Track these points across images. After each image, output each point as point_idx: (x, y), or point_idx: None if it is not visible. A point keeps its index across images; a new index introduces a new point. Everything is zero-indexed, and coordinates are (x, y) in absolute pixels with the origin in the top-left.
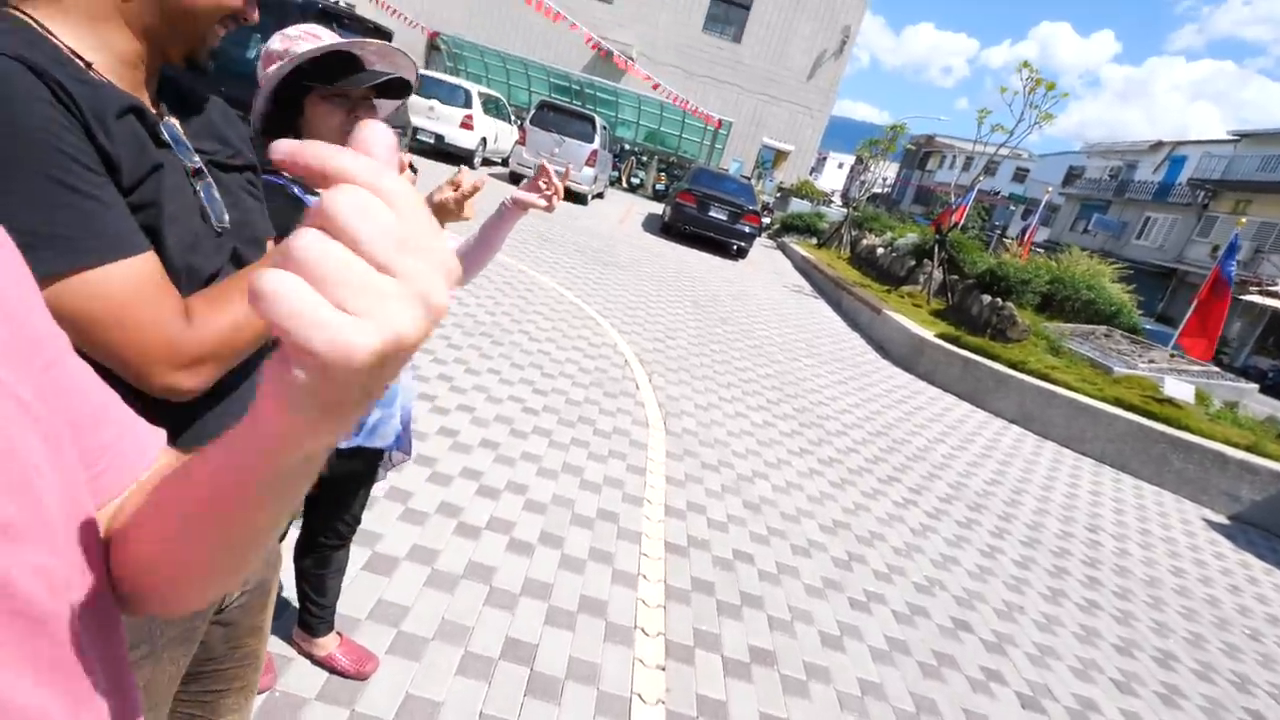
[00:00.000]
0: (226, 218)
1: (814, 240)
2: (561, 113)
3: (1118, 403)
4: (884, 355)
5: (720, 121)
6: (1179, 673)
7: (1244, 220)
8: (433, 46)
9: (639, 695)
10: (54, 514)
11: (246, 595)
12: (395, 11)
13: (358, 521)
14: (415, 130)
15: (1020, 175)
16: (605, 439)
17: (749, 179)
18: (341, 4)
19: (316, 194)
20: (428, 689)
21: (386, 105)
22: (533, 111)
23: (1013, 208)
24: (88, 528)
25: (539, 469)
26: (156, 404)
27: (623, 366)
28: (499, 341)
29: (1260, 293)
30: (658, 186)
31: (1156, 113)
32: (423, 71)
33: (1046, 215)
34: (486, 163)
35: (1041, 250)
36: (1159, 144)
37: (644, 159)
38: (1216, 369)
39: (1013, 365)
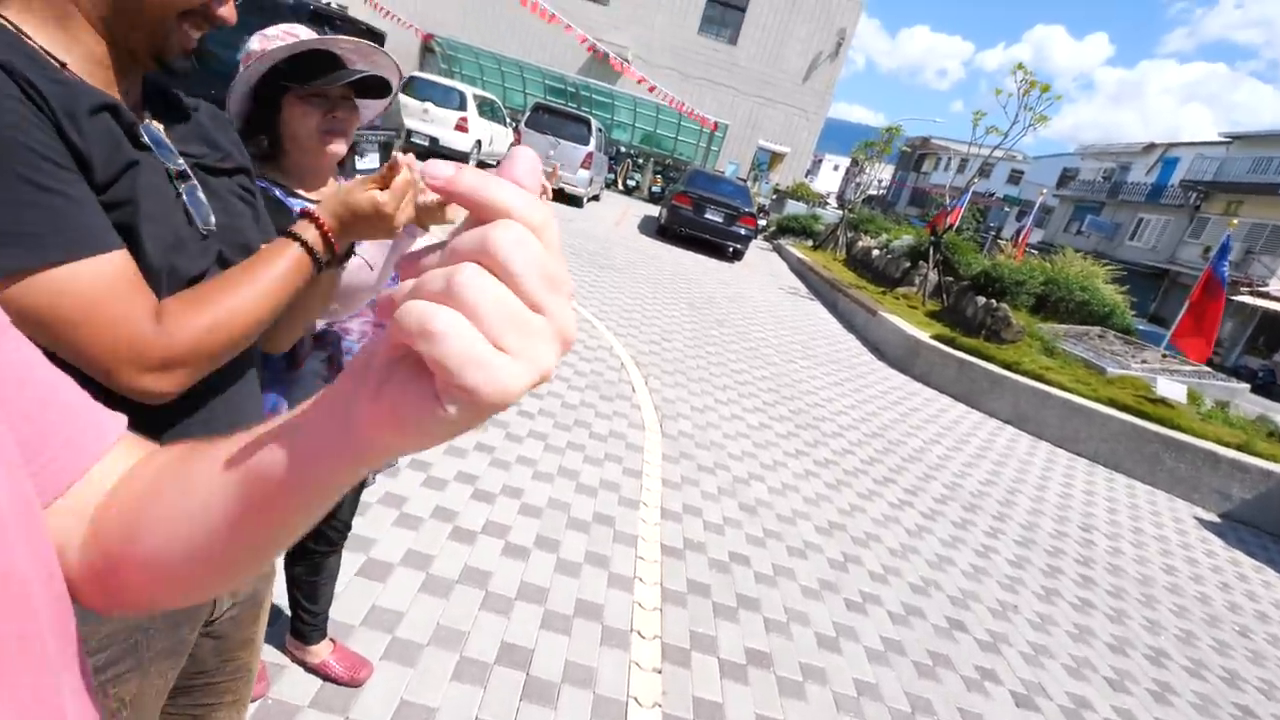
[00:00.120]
0: (213, 220)
1: (810, 242)
2: (557, 115)
3: (1111, 403)
4: (879, 357)
5: (716, 124)
6: (1171, 670)
7: (1236, 221)
8: (427, 49)
9: (635, 698)
10: None
11: (238, 607)
12: (389, 13)
13: (348, 527)
14: (409, 133)
15: (1015, 177)
16: (601, 442)
17: (745, 181)
18: (334, 6)
19: (298, 195)
20: (423, 695)
21: (371, 107)
22: (528, 114)
23: (1007, 209)
24: (30, 520)
25: (534, 473)
26: (137, 408)
27: (619, 369)
28: None
29: (1251, 293)
30: (653, 189)
31: (1149, 115)
32: (417, 74)
33: (1041, 217)
34: (482, 165)
35: (1036, 252)
36: (1152, 146)
37: (640, 161)
38: (1208, 369)
39: (1007, 366)
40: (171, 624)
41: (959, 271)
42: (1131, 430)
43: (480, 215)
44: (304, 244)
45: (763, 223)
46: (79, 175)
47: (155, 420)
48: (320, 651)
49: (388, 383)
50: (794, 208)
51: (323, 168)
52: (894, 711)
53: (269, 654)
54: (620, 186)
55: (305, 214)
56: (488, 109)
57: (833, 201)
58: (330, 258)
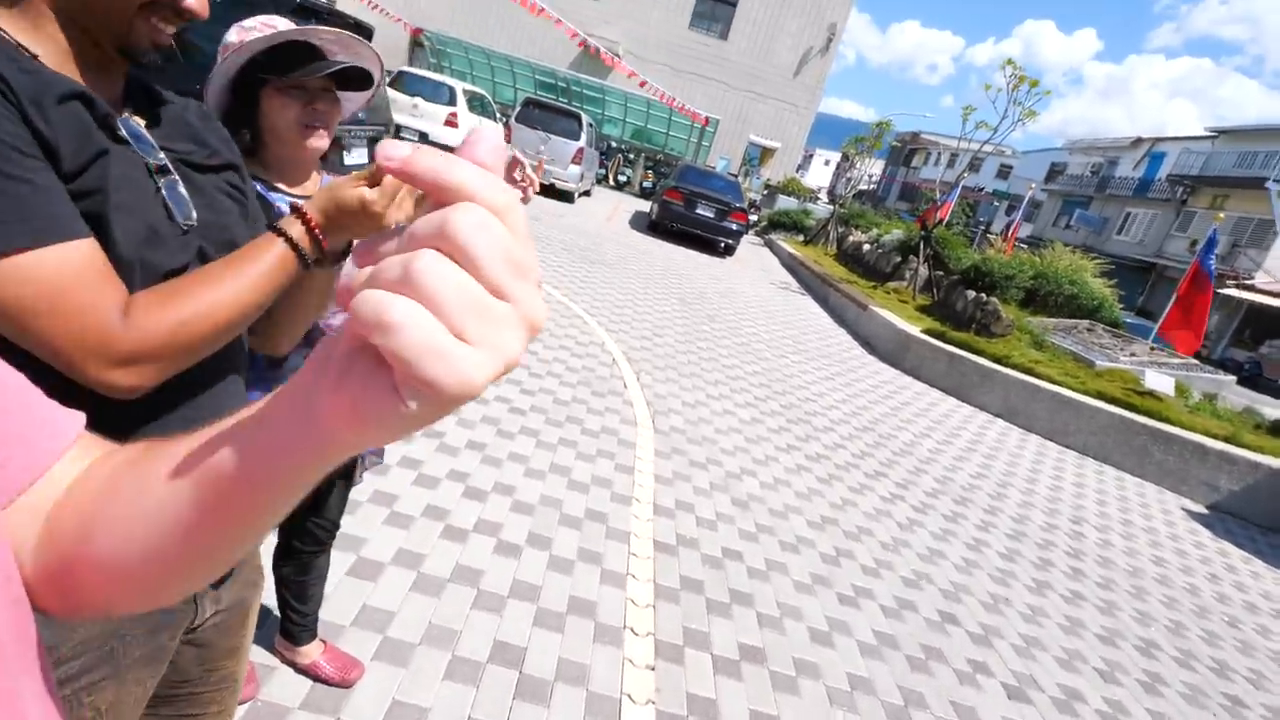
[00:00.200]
0: (194, 215)
1: (801, 237)
2: (547, 110)
3: (1100, 396)
4: (870, 351)
5: (707, 119)
6: (1161, 661)
7: (1222, 215)
8: (416, 43)
9: (629, 695)
10: None
11: (222, 615)
12: (378, 7)
13: (336, 526)
14: (399, 128)
15: (1004, 172)
16: (593, 438)
17: (736, 176)
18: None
19: (278, 190)
20: (415, 695)
21: (353, 99)
22: (518, 109)
23: (996, 204)
24: None
25: (526, 469)
26: (112, 404)
27: (610, 365)
28: None
29: (1237, 286)
30: (644, 184)
31: (1136, 110)
32: (406, 69)
33: (1029, 211)
34: None
35: (1025, 246)
36: (1139, 140)
37: (631, 156)
38: (1195, 362)
39: (997, 360)
40: (149, 630)
41: (949, 266)
42: (1120, 423)
43: (440, 198)
44: (289, 240)
45: (754, 218)
46: (46, 163)
47: (132, 417)
48: (310, 652)
49: (347, 375)
50: (785, 203)
51: (304, 161)
52: (887, 705)
53: (258, 655)
54: (611, 182)
55: (294, 209)
56: (478, 104)
57: (823, 196)
58: (319, 255)
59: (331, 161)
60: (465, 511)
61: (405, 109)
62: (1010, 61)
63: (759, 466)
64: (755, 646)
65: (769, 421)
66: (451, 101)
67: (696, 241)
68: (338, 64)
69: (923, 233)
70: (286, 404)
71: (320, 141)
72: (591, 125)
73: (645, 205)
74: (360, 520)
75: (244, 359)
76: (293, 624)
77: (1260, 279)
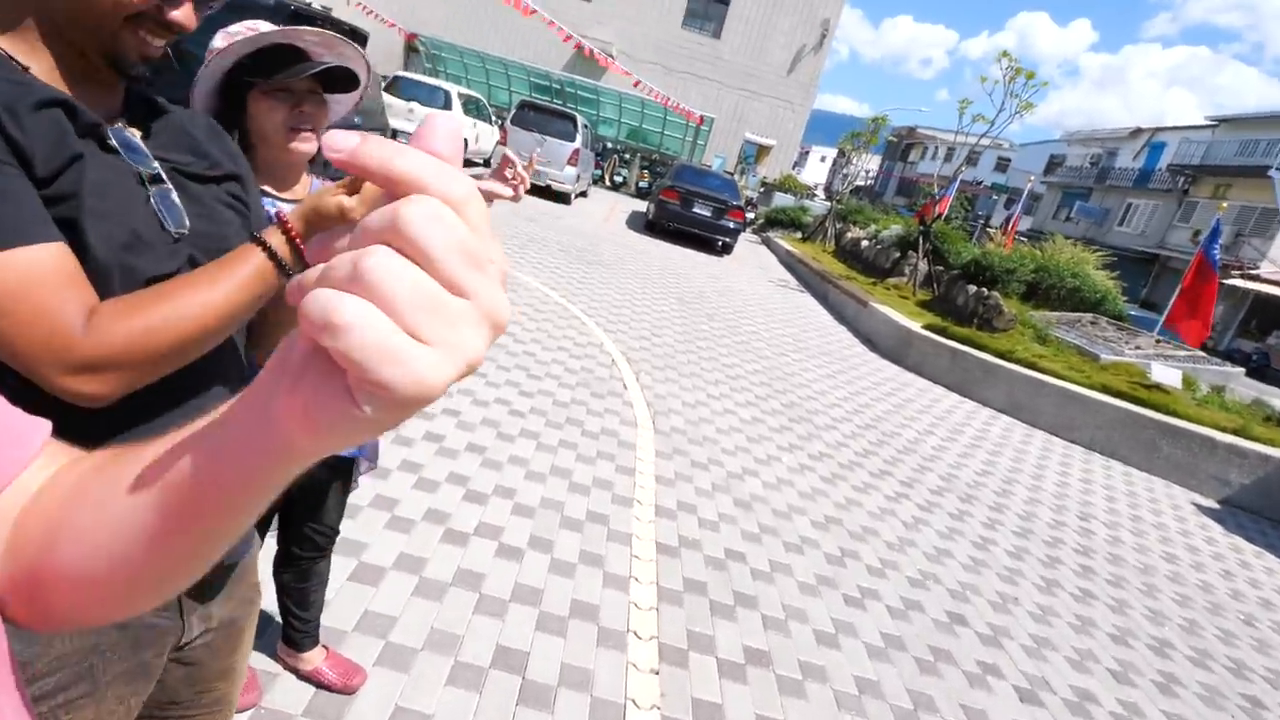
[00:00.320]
0: (186, 224)
1: (798, 234)
2: (542, 112)
3: (1105, 390)
4: (871, 348)
5: (702, 118)
6: (1175, 661)
7: (1225, 205)
8: (411, 48)
9: (633, 700)
10: None
11: (213, 633)
12: (372, 13)
13: (335, 531)
14: (395, 133)
15: (1002, 165)
16: (593, 440)
17: (732, 174)
18: (316, 5)
19: (267, 194)
20: (417, 701)
21: (341, 101)
22: (513, 111)
23: (995, 197)
24: None
25: (527, 472)
26: (89, 414)
27: (609, 366)
28: None
29: (1243, 276)
30: (641, 184)
31: (1134, 100)
32: (401, 73)
33: (1029, 204)
34: (468, 164)
35: (1025, 239)
36: (1138, 131)
37: (626, 157)
38: (1202, 353)
39: (1000, 355)
40: (131, 646)
41: (949, 260)
42: (1127, 417)
43: (393, 191)
44: (267, 249)
45: (751, 216)
46: (18, 169)
47: (113, 425)
48: (313, 659)
49: (302, 378)
50: (782, 200)
51: (292, 165)
52: (896, 709)
53: (261, 662)
54: (607, 182)
55: (277, 218)
56: (473, 107)
57: (820, 193)
58: (301, 266)
59: (317, 163)
60: (466, 515)
61: (401, 113)
62: (1006, 54)
63: (761, 466)
64: (760, 649)
65: (770, 420)
66: (447, 105)
67: (694, 240)
68: (322, 64)
69: (921, 228)
70: (247, 407)
71: (307, 145)
72: (587, 126)
73: (642, 205)
74: (361, 525)
75: (238, 369)
76: (294, 630)
77: (1265, 269)
